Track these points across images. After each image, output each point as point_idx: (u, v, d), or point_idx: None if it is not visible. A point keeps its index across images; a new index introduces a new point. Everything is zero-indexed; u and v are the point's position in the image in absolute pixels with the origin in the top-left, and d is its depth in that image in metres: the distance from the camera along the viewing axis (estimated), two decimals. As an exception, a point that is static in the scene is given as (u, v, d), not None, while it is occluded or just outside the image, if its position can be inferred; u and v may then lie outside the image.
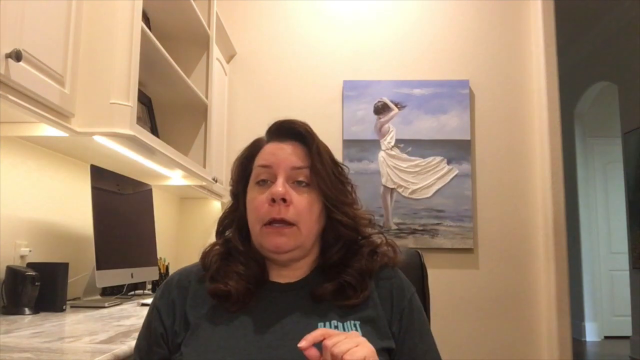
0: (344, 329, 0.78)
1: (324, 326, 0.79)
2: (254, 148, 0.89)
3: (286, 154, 0.84)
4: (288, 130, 0.87)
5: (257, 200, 0.83)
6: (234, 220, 0.89)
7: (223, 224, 0.91)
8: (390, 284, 0.86)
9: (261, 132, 0.92)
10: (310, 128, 0.87)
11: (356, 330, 0.79)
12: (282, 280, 0.85)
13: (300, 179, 0.84)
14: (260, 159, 0.86)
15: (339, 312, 0.81)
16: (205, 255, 0.88)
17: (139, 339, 0.86)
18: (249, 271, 0.83)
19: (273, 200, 0.81)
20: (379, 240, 0.90)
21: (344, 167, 0.90)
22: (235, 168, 0.90)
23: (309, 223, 0.83)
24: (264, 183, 0.84)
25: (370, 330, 0.79)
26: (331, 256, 0.86)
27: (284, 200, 0.81)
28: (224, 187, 2.75)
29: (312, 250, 0.87)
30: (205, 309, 0.81)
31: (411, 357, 0.81)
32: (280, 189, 0.81)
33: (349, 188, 0.89)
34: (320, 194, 0.84)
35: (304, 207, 0.82)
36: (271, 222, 0.81)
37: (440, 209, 2.88)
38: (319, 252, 0.88)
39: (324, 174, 0.84)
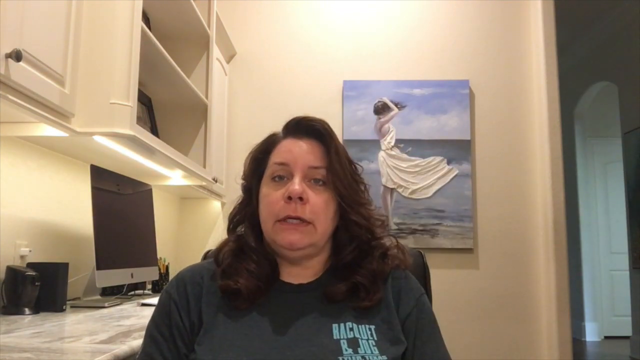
0: (359, 332, 0.78)
1: (338, 328, 0.78)
2: (270, 143, 0.88)
3: (303, 152, 0.84)
4: (306, 128, 0.86)
5: (271, 197, 0.82)
6: (246, 215, 0.88)
7: (234, 221, 0.90)
8: (399, 285, 0.86)
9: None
10: (329, 126, 0.87)
11: (371, 334, 0.78)
12: (294, 281, 0.85)
13: (317, 177, 0.83)
14: (277, 155, 0.85)
15: (353, 314, 0.80)
16: (218, 251, 0.87)
17: (154, 327, 0.81)
18: (260, 269, 0.83)
19: (289, 198, 0.80)
20: (388, 243, 0.89)
21: (358, 166, 0.90)
22: (249, 162, 0.89)
23: (325, 222, 0.83)
24: (280, 179, 0.83)
25: (384, 336, 0.79)
26: (344, 257, 0.85)
27: (300, 198, 0.80)
28: (224, 187, 2.75)
29: (324, 249, 0.87)
30: (217, 307, 0.80)
31: (420, 354, 0.81)
32: (297, 187, 0.80)
33: (362, 188, 0.89)
34: (335, 193, 0.84)
35: (320, 206, 0.82)
36: (286, 219, 0.81)
37: (440, 209, 2.88)
38: (330, 252, 0.88)
39: (341, 174, 0.84)
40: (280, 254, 0.85)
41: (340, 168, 0.84)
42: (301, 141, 0.85)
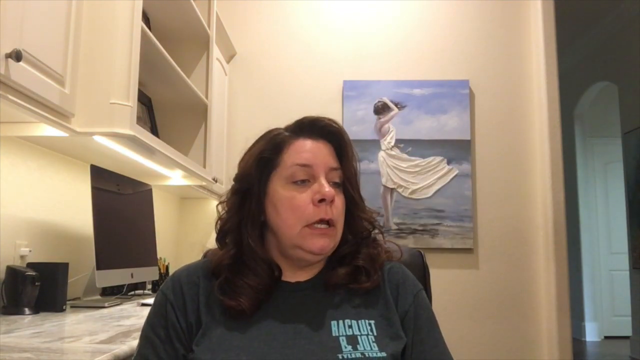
0: (358, 329, 0.78)
1: (337, 325, 0.78)
2: (280, 142, 0.84)
3: (324, 154, 0.84)
4: (320, 129, 0.86)
5: (298, 200, 0.80)
6: (242, 220, 0.83)
7: (223, 230, 0.86)
8: (397, 280, 0.86)
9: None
10: (341, 126, 0.88)
11: (370, 329, 0.78)
12: (292, 279, 0.85)
13: (336, 180, 0.84)
14: (296, 157, 0.83)
15: (352, 311, 0.81)
16: (217, 262, 0.83)
17: (150, 328, 0.80)
18: (262, 281, 0.81)
19: (320, 201, 0.80)
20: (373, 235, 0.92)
21: None
22: (253, 162, 0.84)
23: (342, 222, 0.84)
24: (303, 183, 0.82)
25: (384, 332, 0.79)
26: (343, 250, 0.86)
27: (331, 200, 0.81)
28: (224, 187, 2.74)
29: None
30: (215, 308, 0.80)
31: (419, 351, 0.81)
32: (329, 189, 0.80)
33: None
34: (352, 192, 0.85)
35: (340, 207, 0.83)
36: (316, 223, 0.80)
37: (440, 209, 2.88)
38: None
39: (353, 174, 0.86)
40: (298, 257, 0.83)
41: (353, 168, 0.86)
42: (319, 142, 0.85)
